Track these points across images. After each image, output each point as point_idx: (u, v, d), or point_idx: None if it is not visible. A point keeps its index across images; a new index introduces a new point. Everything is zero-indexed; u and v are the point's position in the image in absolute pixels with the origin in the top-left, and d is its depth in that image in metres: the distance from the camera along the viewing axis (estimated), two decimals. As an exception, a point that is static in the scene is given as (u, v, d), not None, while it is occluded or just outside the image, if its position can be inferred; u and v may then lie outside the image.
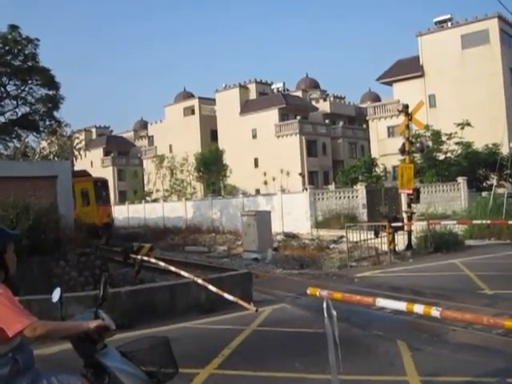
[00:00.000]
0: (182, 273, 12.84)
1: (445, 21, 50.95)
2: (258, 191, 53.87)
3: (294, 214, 34.75)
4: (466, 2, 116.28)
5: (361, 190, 35.10)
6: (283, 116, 61.74)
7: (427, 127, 37.91)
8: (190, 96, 76.27)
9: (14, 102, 30.21)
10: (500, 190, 30.90)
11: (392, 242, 19.51)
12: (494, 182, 31.26)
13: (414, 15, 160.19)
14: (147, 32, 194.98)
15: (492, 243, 21.94)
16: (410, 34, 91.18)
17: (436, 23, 51.58)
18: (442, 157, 39.86)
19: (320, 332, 7.06)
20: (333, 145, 63.20)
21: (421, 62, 50.03)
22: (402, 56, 54.54)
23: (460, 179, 35.20)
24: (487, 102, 44.52)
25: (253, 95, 66.83)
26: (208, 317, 11.26)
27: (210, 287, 11.75)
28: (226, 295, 11.67)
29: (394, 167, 43.17)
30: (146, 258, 15.82)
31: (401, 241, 20.87)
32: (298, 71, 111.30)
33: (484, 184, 39.27)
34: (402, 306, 6.21)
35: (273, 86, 70.18)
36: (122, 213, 52.68)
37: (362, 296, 6.99)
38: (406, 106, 21.02)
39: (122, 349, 3.95)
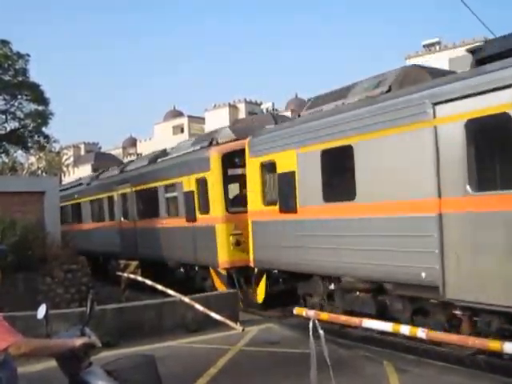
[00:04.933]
0: (169, 291, 12.76)
1: (433, 44, 51.65)
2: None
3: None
4: (454, 25, 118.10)
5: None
6: (272, 135, 61.88)
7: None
8: (180, 114, 76.51)
9: (3, 117, 30.06)
10: None
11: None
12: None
13: (402, 38, 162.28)
14: (138, 47, 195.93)
15: None
16: (398, 56, 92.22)
17: (424, 46, 52.27)
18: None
19: (307, 352, 7.03)
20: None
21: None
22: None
23: None
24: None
25: (242, 114, 67.17)
26: (194, 336, 11.20)
27: (197, 306, 11.70)
28: (213, 314, 11.62)
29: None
30: (132, 276, 15.72)
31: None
32: (288, 92, 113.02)
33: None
34: (387, 326, 6.23)
35: (262, 106, 70.58)
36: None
37: (348, 317, 7.00)
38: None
39: (108, 367, 3.92)
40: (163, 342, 10.54)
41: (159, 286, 13.42)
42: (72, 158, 48.72)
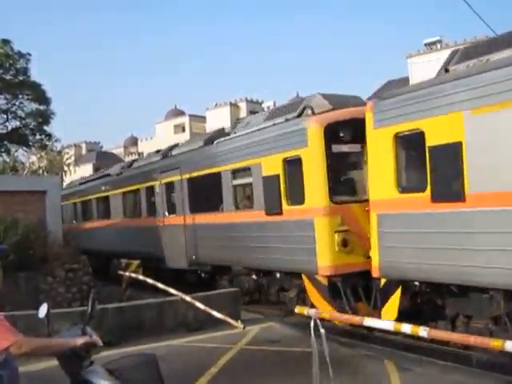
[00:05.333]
0: (171, 290, 12.75)
1: (434, 42, 51.50)
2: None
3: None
4: (455, 24, 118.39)
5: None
6: (274, 134, 61.92)
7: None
8: (181, 113, 76.54)
9: (4, 116, 30.15)
10: None
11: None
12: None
13: (403, 38, 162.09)
14: (138, 47, 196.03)
15: None
16: (400, 55, 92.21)
17: (426, 45, 52.14)
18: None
19: (308, 351, 7.03)
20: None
21: (410, 84, 50.41)
22: (392, 77, 55.03)
23: None
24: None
25: (243, 113, 67.06)
26: (195, 335, 11.18)
27: (198, 304, 11.70)
28: (214, 313, 11.62)
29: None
30: (133, 275, 15.68)
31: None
32: (288, 91, 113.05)
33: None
34: (389, 325, 6.21)
35: (263, 105, 70.53)
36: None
37: (350, 316, 7.00)
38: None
39: (109, 366, 3.92)
40: (164, 340, 10.53)
41: (160, 285, 13.41)
42: (73, 158, 48.73)
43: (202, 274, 16.74)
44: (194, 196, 16.32)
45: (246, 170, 13.81)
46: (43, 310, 3.96)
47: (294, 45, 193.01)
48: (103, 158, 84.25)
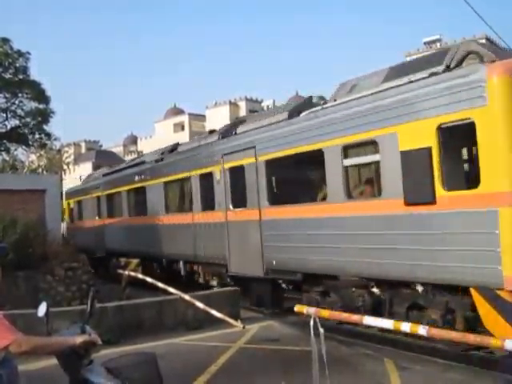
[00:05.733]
0: (170, 289, 12.75)
1: (434, 41, 51.60)
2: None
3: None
4: (456, 21, 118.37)
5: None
6: (273, 133, 61.93)
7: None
8: (180, 112, 76.59)
9: (4, 115, 30.09)
10: None
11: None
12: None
13: (403, 37, 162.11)
14: (138, 47, 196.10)
15: None
16: (399, 54, 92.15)
17: (425, 43, 52.23)
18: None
19: (307, 350, 7.03)
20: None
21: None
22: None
23: None
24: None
25: (243, 112, 67.17)
26: (194, 333, 11.18)
27: (198, 303, 11.69)
28: (214, 312, 11.61)
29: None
30: (133, 274, 15.67)
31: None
32: (288, 90, 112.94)
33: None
34: (389, 324, 6.22)
35: (263, 104, 70.61)
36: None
37: (349, 314, 6.99)
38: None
39: (108, 365, 3.91)
40: (164, 339, 10.53)
41: (160, 284, 13.42)
42: (73, 156, 48.85)
43: (283, 285, 13.27)
44: (275, 183, 13.15)
45: (368, 145, 10.30)
46: (42, 309, 3.96)
47: (293, 45, 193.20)
48: (103, 157, 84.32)
